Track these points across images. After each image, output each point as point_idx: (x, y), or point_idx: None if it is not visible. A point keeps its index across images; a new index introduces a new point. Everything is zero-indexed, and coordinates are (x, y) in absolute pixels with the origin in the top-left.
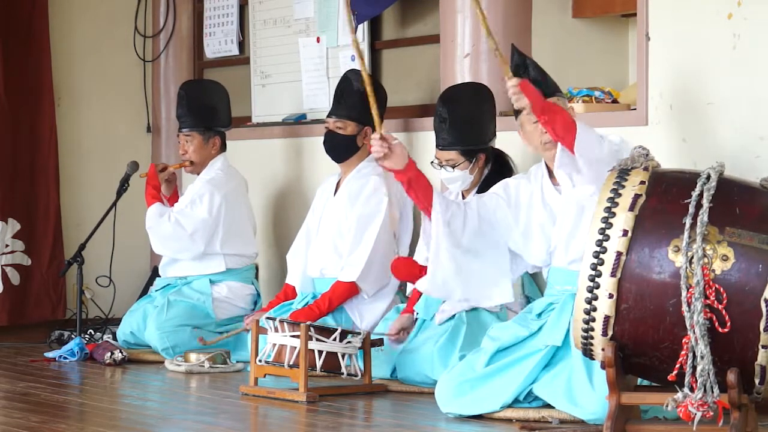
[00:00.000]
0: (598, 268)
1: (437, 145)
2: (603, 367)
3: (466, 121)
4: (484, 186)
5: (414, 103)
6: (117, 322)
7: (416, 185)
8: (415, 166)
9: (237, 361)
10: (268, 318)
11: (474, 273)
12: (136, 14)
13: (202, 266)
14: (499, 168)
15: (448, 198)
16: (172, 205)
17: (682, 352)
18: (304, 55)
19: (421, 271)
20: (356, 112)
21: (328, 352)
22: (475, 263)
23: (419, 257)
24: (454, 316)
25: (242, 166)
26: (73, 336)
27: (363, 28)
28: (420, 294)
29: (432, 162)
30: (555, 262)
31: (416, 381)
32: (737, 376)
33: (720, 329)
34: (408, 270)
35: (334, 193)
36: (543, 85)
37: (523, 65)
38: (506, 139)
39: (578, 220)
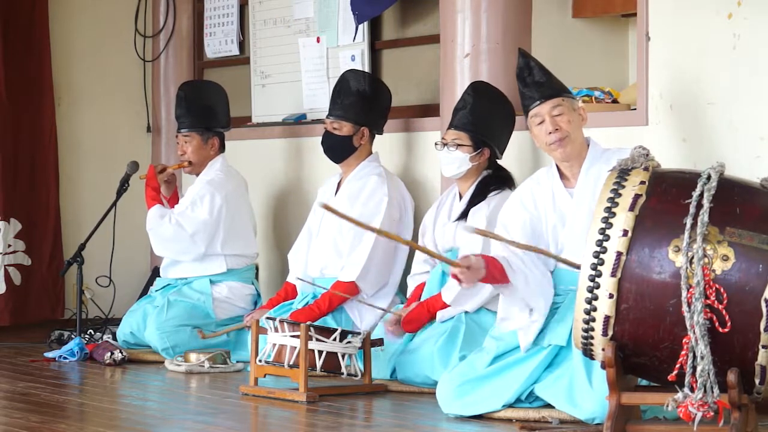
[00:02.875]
0: (599, 268)
1: (450, 125)
2: (603, 367)
3: (486, 115)
4: (480, 187)
5: (414, 103)
6: (117, 322)
7: (495, 272)
8: (487, 260)
9: (237, 361)
10: (268, 318)
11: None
12: (136, 14)
13: (203, 267)
14: (497, 173)
15: (514, 262)
16: (173, 206)
17: (682, 352)
18: (304, 55)
19: (428, 307)
20: (352, 112)
21: (328, 352)
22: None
23: (418, 259)
24: (453, 316)
25: (242, 166)
26: (73, 336)
27: (363, 28)
28: (420, 291)
29: (436, 143)
30: (561, 264)
31: (416, 382)
32: (737, 376)
33: (720, 329)
34: (418, 319)
35: (335, 194)
36: (546, 86)
37: (527, 67)
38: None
39: (588, 222)
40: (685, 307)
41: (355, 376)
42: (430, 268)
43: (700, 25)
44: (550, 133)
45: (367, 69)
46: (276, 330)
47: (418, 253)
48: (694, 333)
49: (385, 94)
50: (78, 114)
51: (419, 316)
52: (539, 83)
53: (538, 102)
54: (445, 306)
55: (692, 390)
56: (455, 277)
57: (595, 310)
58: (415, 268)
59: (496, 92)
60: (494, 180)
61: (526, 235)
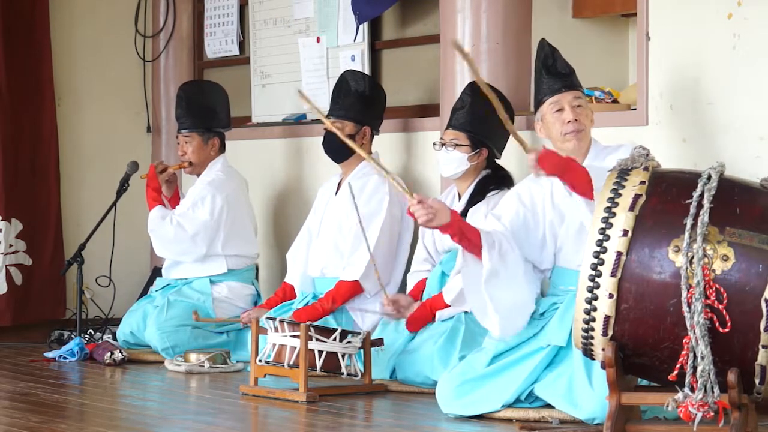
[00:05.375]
0: (599, 268)
1: (448, 125)
2: (603, 367)
3: (484, 115)
4: (479, 187)
5: (414, 103)
6: (117, 322)
7: (466, 230)
8: (457, 214)
9: (237, 361)
10: (268, 318)
11: (509, 305)
12: (136, 14)
13: (204, 268)
14: (496, 173)
15: (492, 235)
16: (174, 206)
17: (683, 353)
18: (304, 55)
19: (431, 307)
20: (354, 112)
21: (328, 352)
22: (512, 295)
23: (418, 259)
24: (453, 316)
25: (242, 166)
26: (73, 336)
27: (363, 28)
28: (421, 286)
29: (434, 143)
30: (560, 263)
31: (416, 382)
32: (737, 376)
33: (720, 329)
34: (422, 318)
35: (336, 193)
36: (569, 78)
37: (552, 56)
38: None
39: (587, 219)
40: (685, 307)
41: (355, 376)
42: (430, 266)
43: (700, 25)
44: (568, 122)
45: (367, 69)
46: (276, 330)
47: (417, 252)
48: (694, 333)
49: (383, 94)
50: (78, 114)
51: (422, 315)
52: (563, 74)
53: (560, 90)
54: (446, 305)
55: (692, 390)
56: (409, 213)
57: (595, 310)
58: (415, 266)
59: (495, 92)
60: (493, 180)
61: (517, 226)
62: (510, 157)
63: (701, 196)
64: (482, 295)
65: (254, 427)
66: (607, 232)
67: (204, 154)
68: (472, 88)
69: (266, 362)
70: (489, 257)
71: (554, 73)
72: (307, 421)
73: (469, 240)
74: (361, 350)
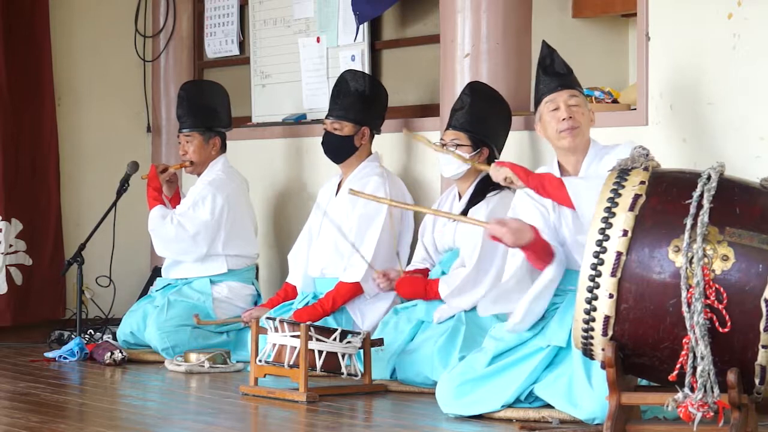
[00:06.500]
0: (598, 268)
1: (448, 126)
2: (603, 367)
3: (484, 115)
4: (480, 187)
5: (414, 103)
6: (117, 322)
7: (538, 249)
8: (537, 231)
9: (237, 361)
10: (268, 318)
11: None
12: (136, 14)
13: (204, 268)
14: None
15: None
16: (175, 206)
17: (683, 353)
18: (304, 55)
19: (426, 286)
20: (353, 112)
21: (328, 352)
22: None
23: (417, 258)
24: (453, 316)
25: (242, 166)
26: (73, 336)
27: (363, 28)
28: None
29: (435, 144)
30: None
31: (416, 382)
32: (737, 376)
33: (720, 329)
34: (413, 288)
35: (336, 194)
36: (566, 77)
37: (549, 56)
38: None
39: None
40: (685, 307)
41: (355, 376)
42: (428, 266)
43: (700, 25)
44: (563, 119)
45: (367, 69)
46: (276, 330)
47: (417, 251)
48: (694, 333)
49: (383, 93)
50: (78, 114)
51: (414, 285)
52: (559, 73)
53: (556, 89)
54: (438, 296)
55: (692, 390)
56: (495, 238)
57: (595, 310)
58: (414, 265)
59: (493, 92)
60: (492, 183)
61: (548, 228)
62: (510, 158)
63: (701, 196)
64: (523, 295)
65: (254, 427)
66: (607, 232)
67: (205, 154)
68: (472, 88)
69: (266, 362)
70: (554, 270)
71: (551, 73)
72: (307, 421)
73: (541, 258)
74: (361, 350)
